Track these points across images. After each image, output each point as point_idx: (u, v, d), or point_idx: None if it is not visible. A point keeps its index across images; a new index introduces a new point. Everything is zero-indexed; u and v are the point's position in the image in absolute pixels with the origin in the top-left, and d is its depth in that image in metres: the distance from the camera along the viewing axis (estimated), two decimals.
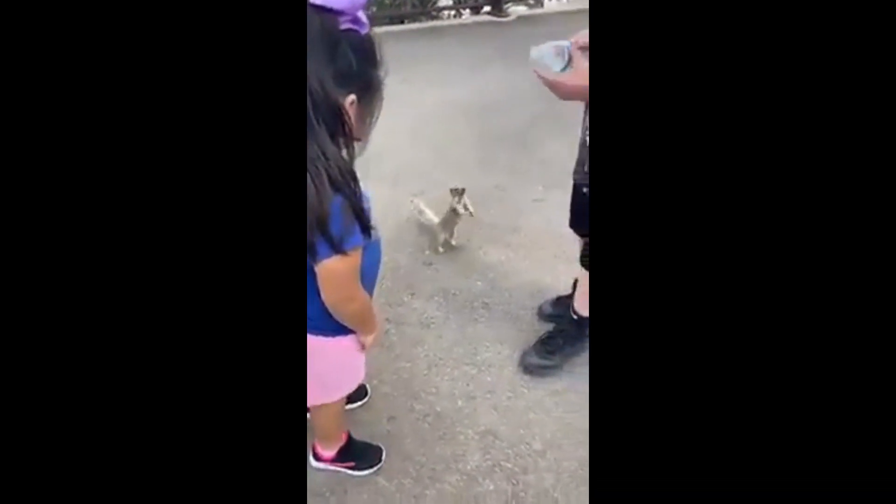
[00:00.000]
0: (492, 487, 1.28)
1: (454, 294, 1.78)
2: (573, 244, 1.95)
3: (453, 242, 1.93)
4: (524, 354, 1.53)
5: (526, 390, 1.48)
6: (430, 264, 1.89)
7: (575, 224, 1.48)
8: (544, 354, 1.51)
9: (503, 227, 2.05)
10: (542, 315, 1.69)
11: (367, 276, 0.91)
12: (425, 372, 1.54)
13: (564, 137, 2.59)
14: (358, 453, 1.30)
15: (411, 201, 2.03)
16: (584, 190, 1.27)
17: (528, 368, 1.50)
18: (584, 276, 1.43)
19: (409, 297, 1.77)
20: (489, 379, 1.52)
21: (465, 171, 2.36)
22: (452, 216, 1.89)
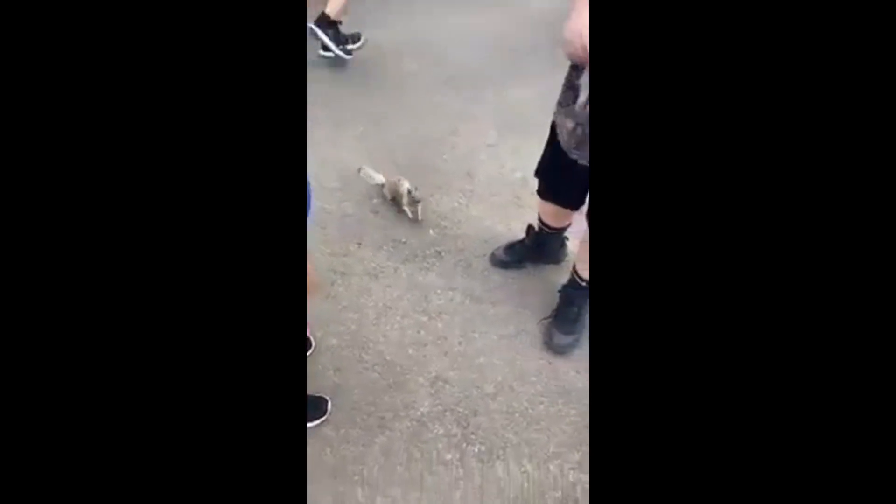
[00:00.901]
0: (441, 431, 1.26)
1: (404, 242, 1.70)
2: (526, 190, 1.91)
3: (414, 214, 1.76)
4: (549, 338, 1.42)
5: (477, 335, 1.46)
6: (378, 212, 1.80)
7: (560, 196, 1.32)
8: (568, 328, 1.41)
9: (455, 173, 1.96)
10: (495, 261, 1.64)
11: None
12: (374, 322, 1.49)
13: (519, 81, 2.49)
14: None
15: (359, 170, 1.86)
16: (582, 162, 1.07)
17: (558, 350, 1.40)
18: (587, 242, 1.32)
19: (357, 246, 1.69)
20: (440, 326, 1.48)
21: (417, 115, 2.24)
22: (398, 197, 1.73)
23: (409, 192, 1.70)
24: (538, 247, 1.58)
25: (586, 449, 1.24)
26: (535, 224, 1.54)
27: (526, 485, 1.18)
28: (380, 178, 1.82)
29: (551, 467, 1.21)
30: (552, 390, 1.35)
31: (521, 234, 1.66)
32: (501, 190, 1.90)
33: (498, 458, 1.22)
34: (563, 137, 1.07)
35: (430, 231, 1.75)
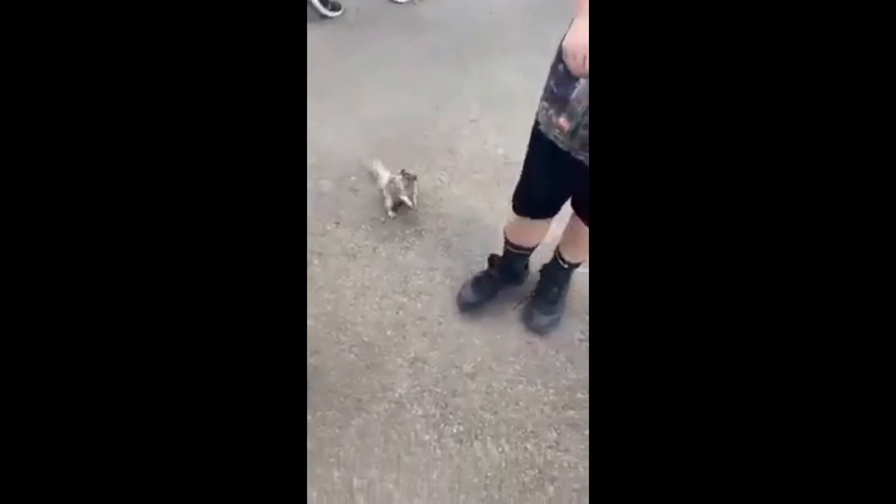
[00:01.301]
0: (420, 412, 1.26)
1: (382, 222, 1.66)
2: (509, 168, 1.87)
3: (410, 202, 1.64)
4: (528, 318, 1.41)
5: (458, 316, 1.44)
6: (357, 191, 1.75)
7: (550, 206, 1.17)
8: (548, 309, 1.40)
9: (437, 149, 1.91)
10: (463, 303, 1.45)
11: None
12: (352, 302, 1.46)
13: (503, 55, 2.41)
14: None
15: (370, 167, 1.77)
16: (581, 157, 0.97)
17: (538, 329, 1.40)
18: (573, 226, 1.28)
19: (334, 225, 1.64)
20: (419, 306, 1.46)
21: (396, 88, 2.17)
22: (397, 189, 1.62)
23: (403, 172, 1.61)
24: (507, 273, 1.43)
25: (563, 428, 1.24)
26: (500, 250, 1.42)
27: (503, 464, 1.18)
28: (386, 177, 1.69)
29: (528, 446, 1.21)
30: (531, 370, 1.34)
31: (504, 215, 1.63)
32: (484, 167, 1.86)
33: (476, 437, 1.22)
34: (561, 140, 0.96)
35: (409, 209, 1.71)
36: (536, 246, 1.37)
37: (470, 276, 1.48)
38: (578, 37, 0.83)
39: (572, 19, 0.86)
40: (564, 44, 0.86)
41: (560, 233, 1.35)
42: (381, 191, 1.68)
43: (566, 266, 1.36)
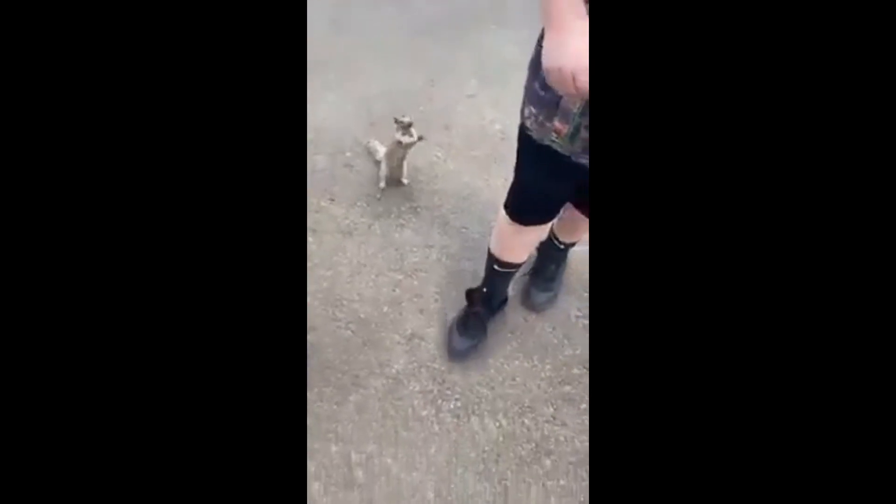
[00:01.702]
0: (417, 388, 1.26)
1: (378, 199, 1.64)
2: (506, 144, 1.84)
3: (404, 180, 1.66)
4: (525, 296, 1.40)
5: (454, 293, 1.43)
6: (352, 167, 1.72)
7: (550, 210, 1.05)
8: (546, 286, 1.40)
9: (433, 124, 1.88)
10: (456, 355, 1.31)
11: None
12: (348, 280, 1.44)
13: (501, 27, 2.35)
14: None
15: (367, 143, 1.74)
16: (582, 161, 0.86)
17: (536, 307, 1.39)
18: (571, 215, 1.21)
19: (329, 202, 1.62)
20: (416, 283, 1.45)
21: (391, 61, 2.11)
22: (396, 148, 1.58)
23: (397, 121, 1.54)
24: (491, 303, 1.33)
25: (560, 403, 1.25)
26: (483, 276, 1.32)
27: (500, 438, 1.19)
28: (379, 149, 1.68)
29: (525, 421, 1.22)
30: (528, 347, 1.35)
31: (500, 192, 1.60)
32: (481, 143, 1.83)
33: (473, 413, 1.23)
34: (559, 145, 0.86)
35: (405, 186, 1.69)
36: (522, 264, 1.25)
37: (451, 320, 1.34)
38: (569, 57, 0.63)
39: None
40: (549, 66, 0.67)
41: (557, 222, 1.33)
42: (379, 162, 1.66)
43: (562, 246, 1.35)
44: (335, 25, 2.27)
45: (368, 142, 1.75)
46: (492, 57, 2.16)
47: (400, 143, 1.56)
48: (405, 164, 1.65)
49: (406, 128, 1.54)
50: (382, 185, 1.64)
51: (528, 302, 1.40)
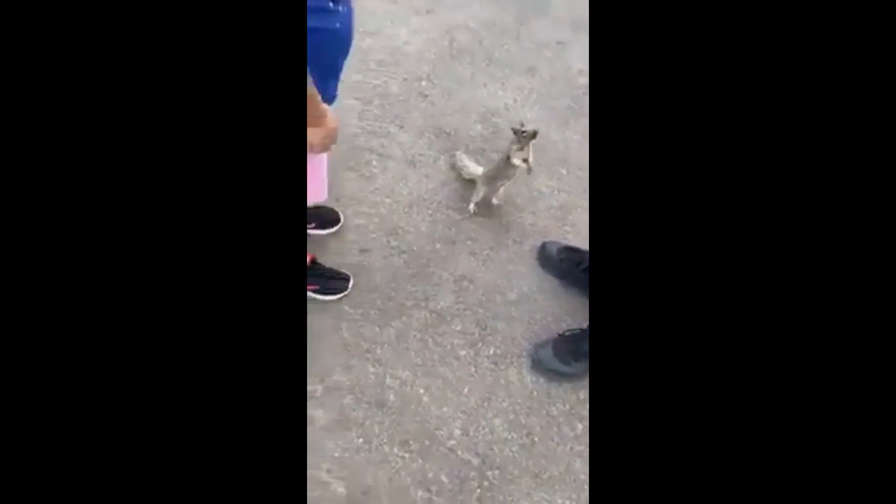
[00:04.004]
0: (459, 328, 1.24)
1: (448, 133, 1.57)
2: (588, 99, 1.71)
3: (494, 201, 1.40)
4: (538, 347, 1.20)
5: (511, 242, 1.39)
6: (426, 96, 1.65)
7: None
8: (564, 357, 1.17)
9: (517, 66, 1.76)
10: (544, 259, 1.31)
11: (328, 48, 0.73)
12: (406, 210, 1.41)
13: None
14: (322, 277, 1.22)
15: (452, 156, 1.48)
16: None
17: (537, 365, 1.19)
18: None
19: (397, 129, 1.57)
20: (473, 227, 1.40)
21: None
22: (504, 168, 1.30)
23: (517, 132, 1.25)
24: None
25: None
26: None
27: (535, 393, 1.17)
28: (476, 170, 1.40)
29: (563, 382, 1.19)
30: (578, 310, 1.29)
31: (574, 147, 1.50)
32: (563, 93, 1.71)
33: (511, 364, 1.20)
34: None
35: (479, 126, 1.61)
36: None
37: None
38: None
39: None
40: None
41: None
42: (472, 181, 1.39)
43: None
44: None
45: (454, 156, 1.47)
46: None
47: (512, 164, 1.27)
48: (503, 188, 1.36)
49: (528, 140, 1.25)
50: (472, 209, 1.39)
51: (534, 352, 1.20)
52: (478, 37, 1.83)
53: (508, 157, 1.29)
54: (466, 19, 1.87)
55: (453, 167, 1.48)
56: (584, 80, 1.76)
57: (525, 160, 1.29)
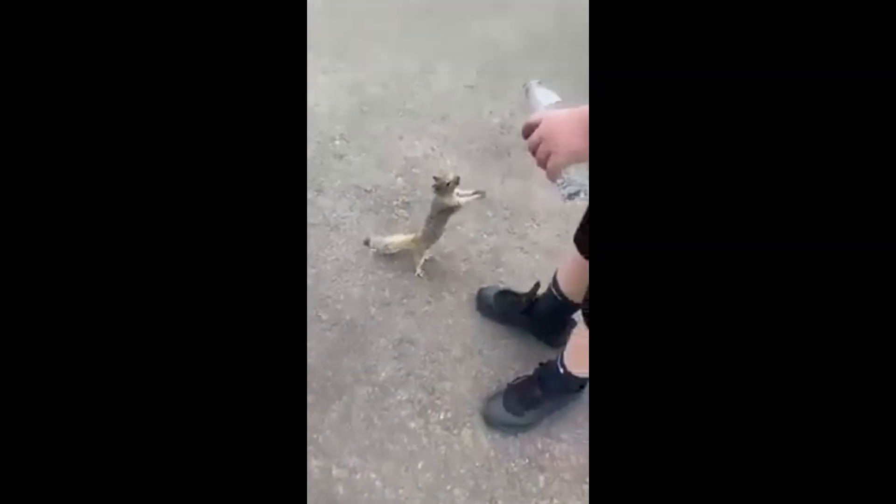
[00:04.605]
0: (405, 397, 1.18)
1: (368, 191, 1.54)
2: (506, 137, 1.75)
3: (430, 255, 1.36)
4: (488, 402, 1.15)
5: (447, 294, 1.35)
6: (342, 156, 1.62)
7: None
8: (517, 409, 1.12)
9: (429, 115, 1.78)
10: (483, 308, 1.29)
11: None
12: (333, 278, 1.35)
13: (503, 12, 2.25)
14: None
15: (367, 241, 1.38)
16: None
17: (490, 421, 1.13)
18: (578, 333, 1.02)
19: (315, 193, 1.52)
20: (406, 283, 1.36)
21: (387, 45, 2.00)
22: (442, 219, 1.27)
23: (439, 185, 1.21)
24: (539, 321, 1.25)
25: (556, 415, 1.19)
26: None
27: (492, 453, 1.12)
28: (398, 239, 1.36)
29: (519, 434, 1.15)
30: (523, 354, 1.27)
31: (499, 189, 1.51)
32: (479, 136, 1.74)
33: (464, 425, 1.15)
34: None
35: (400, 179, 1.59)
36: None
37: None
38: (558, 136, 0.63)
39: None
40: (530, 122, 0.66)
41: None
42: (414, 244, 1.34)
43: (561, 371, 1.07)
44: (327, 5, 2.15)
45: (368, 242, 1.36)
46: (494, 46, 2.07)
47: (452, 207, 1.24)
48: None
49: (452, 189, 1.21)
50: (420, 272, 1.36)
51: (485, 408, 1.16)
52: (387, 89, 1.84)
53: (446, 208, 1.25)
54: (373, 73, 1.88)
55: (377, 252, 1.39)
56: (497, 120, 1.80)
57: (460, 196, 1.26)
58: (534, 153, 0.67)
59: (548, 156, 0.65)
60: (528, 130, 0.68)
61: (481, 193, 1.31)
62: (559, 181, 0.67)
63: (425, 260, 1.36)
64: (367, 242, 1.38)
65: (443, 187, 1.22)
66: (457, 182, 1.22)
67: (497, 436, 1.14)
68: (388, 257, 1.40)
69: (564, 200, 0.67)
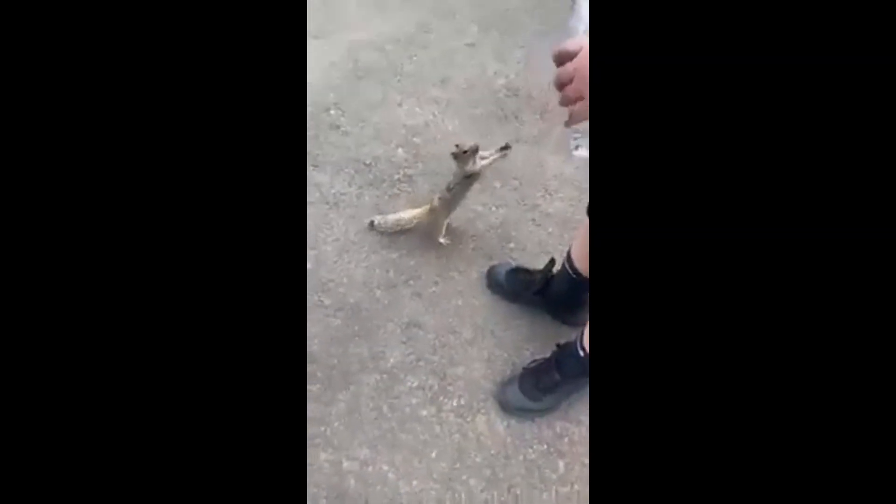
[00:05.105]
0: (416, 384, 1.12)
1: (367, 165, 1.44)
2: (511, 100, 1.63)
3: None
4: (503, 386, 1.10)
5: (456, 273, 1.28)
6: (338, 128, 1.51)
7: None
8: (533, 393, 1.07)
9: (428, 77, 1.65)
10: (493, 286, 1.23)
11: None
12: (335, 260, 1.27)
13: None
14: None
15: (371, 224, 1.31)
16: None
17: (506, 407, 1.09)
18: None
19: (312, 169, 1.42)
20: (412, 263, 1.28)
21: (380, 4, 1.85)
22: (464, 186, 1.21)
23: (457, 155, 1.16)
24: (556, 295, 1.17)
25: (574, 398, 1.13)
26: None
27: (509, 439, 1.07)
28: (406, 215, 1.29)
29: (536, 418, 1.10)
30: (538, 335, 1.20)
31: (506, 158, 1.41)
32: (483, 100, 1.62)
33: (478, 412, 1.10)
34: None
35: (399, 150, 1.49)
36: None
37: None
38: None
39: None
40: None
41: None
42: (431, 213, 1.27)
43: (581, 353, 1.01)
44: None
45: (373, 224, 1.30)
46: (494, 2, 1.90)
47: (473, 174, 1.18)
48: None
49: (471, 156, 1.15)
50: (444, 241, 1.30)
51: (500, 393, 1.10)
52: (383, 53, 1.70)
53: (468, 175, 1.19)
54: (367, 36, 1.74)
55: (382, 233, 1.31)
56: (502, 81, 1.67)
57: (483, 158, 1.20)
58: (560, 88, 0.55)
59: (578, 98, 0.54)
60: (564, 58, 0.55)
61: (506, 149, 1.22)
62: (575, 133, 0.58)
63: (448, 225, 1.29)
64: (371, 224, 1.30)
65: (461, 156, 1.15)
66: (475, 150, 1.16)
67: (513, 421, 1.09)
68: (391, 236, 1.31)
69: (573, 151, 0.59)
